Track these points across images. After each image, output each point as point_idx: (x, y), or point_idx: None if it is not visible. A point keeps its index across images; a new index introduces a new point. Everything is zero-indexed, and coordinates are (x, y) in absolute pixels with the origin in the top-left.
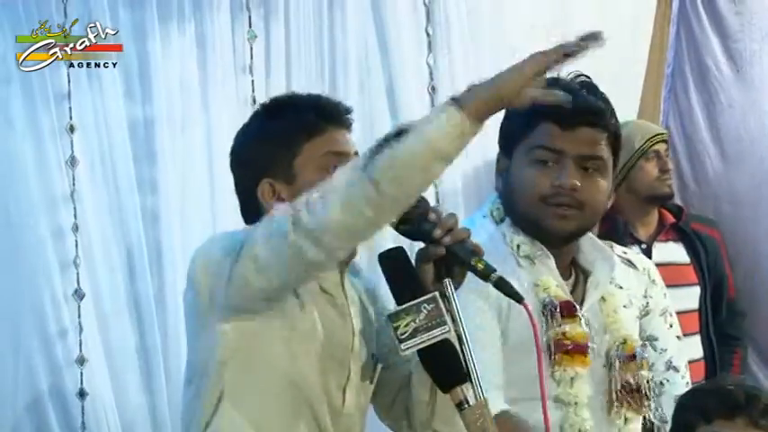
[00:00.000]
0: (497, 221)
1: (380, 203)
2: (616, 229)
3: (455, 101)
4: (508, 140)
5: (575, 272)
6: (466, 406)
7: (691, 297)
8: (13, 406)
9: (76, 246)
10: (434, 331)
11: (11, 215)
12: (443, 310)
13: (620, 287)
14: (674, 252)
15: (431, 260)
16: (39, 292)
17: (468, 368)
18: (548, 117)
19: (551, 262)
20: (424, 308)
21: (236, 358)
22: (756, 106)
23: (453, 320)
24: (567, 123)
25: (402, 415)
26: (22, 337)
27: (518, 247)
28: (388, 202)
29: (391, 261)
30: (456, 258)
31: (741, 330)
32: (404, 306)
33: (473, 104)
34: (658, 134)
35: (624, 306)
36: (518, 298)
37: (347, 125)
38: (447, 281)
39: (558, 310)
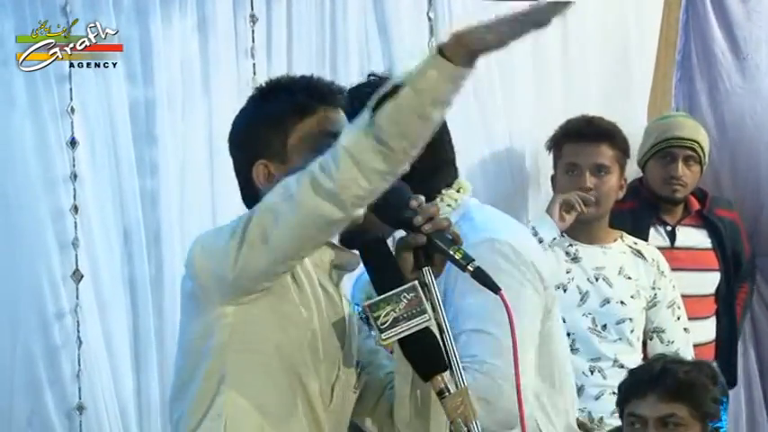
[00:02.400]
0: None
1: (391, 156)
2: (644, 209)
3: (441, 50)
4: None
5: None
6: (447, 394)
7: (708, 282)
8: (10, 387)
9: (75, 227)
10: (415, 320)
11: (10, 196)
12: (423, 298)
13: (629, 278)
14: (697, 237)
15: (411, 248)
16: (37, 274)
17: (448, 356)
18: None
19: None
20: (404, 297)
21: (237, 341)
22: (760, 93)
23: (433, 309)
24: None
25: (386, 417)
26: (20, 318)
27: None
28: (398, 154)
29: (371, 250)
30: (435, 247)
31: (750, 274)
32: (384, 296)
33: (458, 52)
34: (677, 138)
35: (632, 296)
36: (495, 288)
37: (339, 105)
38: (426, 269)
39: None
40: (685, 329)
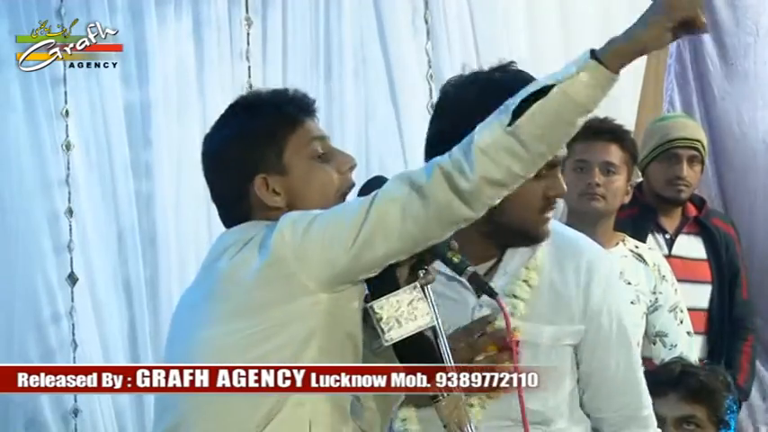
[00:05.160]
0: None
1: (528, 159)
2: (643, 216)
3: (593, 53)
4: None
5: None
6: (441, 398)
7: (701, 295)
8: None
9: (70, 230)
10: (418, 321)
11: (5, 199)
12: (425, 299)
13: (629, 283)
14: (693, 247)
15: None
16: (32, 277)
17: (443, 361)
18: None
19: None
20: (406, 297)
21: (326, 328)
22: (748, 99)
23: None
24: None
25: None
26: (15, 322)
27: None
28: (535, 157)
29: None
30: (432, 251)
31: (754, 325)
32: (386, 296)
33: (611, 57)
34: (681, 139)
35: (632, 302)
36: (491, 293)
37: (315, 114)
38: (422, 273)
39: None
40: (688, 333)
